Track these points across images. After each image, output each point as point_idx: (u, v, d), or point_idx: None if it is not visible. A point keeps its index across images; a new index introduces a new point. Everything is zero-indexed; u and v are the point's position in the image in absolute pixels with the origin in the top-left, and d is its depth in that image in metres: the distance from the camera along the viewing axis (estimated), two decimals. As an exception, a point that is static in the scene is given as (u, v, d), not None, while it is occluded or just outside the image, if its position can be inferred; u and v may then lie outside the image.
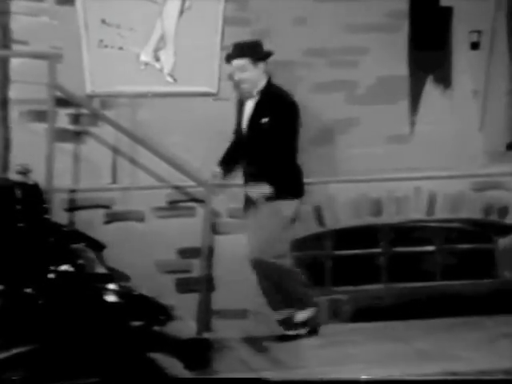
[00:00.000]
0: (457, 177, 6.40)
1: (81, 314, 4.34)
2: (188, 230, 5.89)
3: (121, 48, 5.93)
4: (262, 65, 5.61)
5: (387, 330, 5.89)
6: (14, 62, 5.78)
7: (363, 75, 6.27)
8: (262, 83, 5.61)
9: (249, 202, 5.68)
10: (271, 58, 5.91)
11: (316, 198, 6.17)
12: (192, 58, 6.01)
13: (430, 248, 6.49)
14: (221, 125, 5.86)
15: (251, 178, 5.65)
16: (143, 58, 5.98)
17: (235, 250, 5.78)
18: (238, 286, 5.83)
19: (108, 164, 5.93)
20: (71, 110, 5.82)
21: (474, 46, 6.47)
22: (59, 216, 5.53)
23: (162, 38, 6.01)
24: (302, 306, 5.68)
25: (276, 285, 5.61)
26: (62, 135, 5.75)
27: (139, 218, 5.93)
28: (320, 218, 6.24)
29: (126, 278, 5.58)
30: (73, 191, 5.82)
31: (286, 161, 5.58)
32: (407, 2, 6.31)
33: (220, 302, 5.96)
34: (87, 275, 4.69)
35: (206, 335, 5.62)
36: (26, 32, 5.76)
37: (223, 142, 5.85)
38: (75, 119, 5.87)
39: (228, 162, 5.78)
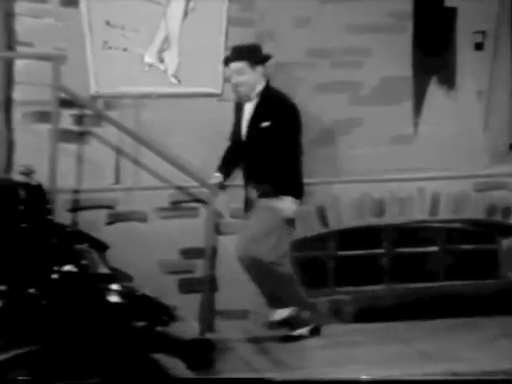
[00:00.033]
0: (460, 177, 6.39)
1: (84, 315, 4.35)
2: (191, 230, 5.91)
3: (125, 49, 5.95)
4: (260, 68, 5.60)
5: (389, 330, 5.88)
6: (19, 64, 5.80)
7: (367, 76, 6.27)
8: (260, 87, 5.60)
9: (249, 203, 5.69)
10: (275, 59, 5.92)
11: (319, 198, 6.18)
12: (196, 59, 6.02)
13: (433, 248, 6.48)
14: (224, 126, 5.85)
15: (251, 180, 5.66)
16: (147, 59, 6.00)
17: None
18: (240, 287, 5.82)
19: (111, 165, 5.94)
20: (75, 111, 5.84)
21: (478, 46, 6.46)
22: (62, 216, 5.56)
23: (166, 39, 6.02)
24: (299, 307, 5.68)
25: (267, 283, 5.60)
26: (65, 136, 5.77)
27: (142, 218, 5.94)
28: (323, 219, 6.25)
29: (129, 278, 5.60)
30: (76, 192, 5.84)
31: (288, 163, 5.58)
32: (411, 3, 6.30)
33: (223, 302, 5.97)
34: (90, 275, 4.70)
35: (208, 336, 5.63)
36: (31, 33, 5.79)
37: (226, 142, 5.87)
38: (79, 120, 5.88)
39: (227, 166, 5.78)
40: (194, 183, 5.92)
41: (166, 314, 4.56)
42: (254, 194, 5.63)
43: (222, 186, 5.79)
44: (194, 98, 6.00)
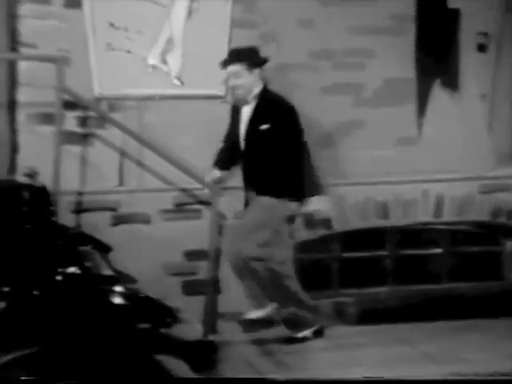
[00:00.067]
0: (464, 179, 6.39)
1: (87, 316, 4.35)
2: (194, 232, 5.91)
3: (128, 51, 5.95)
4: (257, 71, 5.58)
5: (393, 332, 5.87)
6: (22, 65, 5.81)
7: (370, 78, 6.27)
8: (257, 90, 5.58)
9: (248, 204, 5.69)
10: (278, 61, 5.93)
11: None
12: (199, 60, 6.02)
13: (438, 250, 6.48)
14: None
15: (250, 182, 5.64)
16: (151, 60, 6.00)
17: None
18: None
19: (115, 166, 5.95)
20: (79, 113, 5.84)
21: (481, 48, 6.46)
22: (66, 218, 5.55)
23: (170, 41, 6.02)
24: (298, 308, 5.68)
25: (251, 280, 5.57)
26: (69, 138, 5.78)
27: (146, 220, 5.94)
28: (327, 221, 6.24)
29: (133, 280, 5.60)
30: (80, 194, 5.84)
31: (287, 165, 5.57)
32: (414, 5, 6.30)
33: (226, 304, 5.97)
34: (94, 277, 4.70)
35: (212, 337, 5.62)
36: (34, 35, 5.79)
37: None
38: (83, 122, 5.89)
39: (224, 161, 5.76)
40: (198, 185, 5.91)
41: (169, 315, 4.56)
42: (252, 194, 5.62)
43: (220, 181, 5.77)
44: (197, 99, 6.00)
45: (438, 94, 6.41)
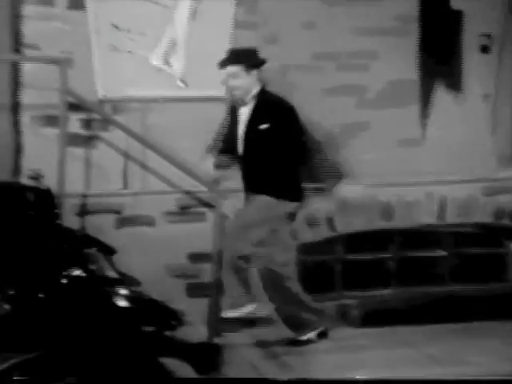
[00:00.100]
0: (468, 181, 6.39)
1: (92, 318, 4.35)
2: (198, 234, 5.90)
3: (131, 52, 5.95)
4: (255, 72, 5.55)
5: (396, 334, 5.87)
6: (26, 67, 5.80)
7: (373, 79, 6.27)
8: (255, 91, 5.56)
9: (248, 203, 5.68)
10: (281, 62, 5.93)
11: (327, 202, 6.18)
12: (203, 62, 6.02)
13: (441, 252, 6.49)
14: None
15: (250, 182, 5.63)
16: (154, 62, 6.00)
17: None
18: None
19: (119, 169, 5.94)
20: (82, 115, 5.84)
21: (485, 49, 6.46)
22: (70, 221, 5.55)
23: (173, 43, 6.02)
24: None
25: (240, 281, 5.55)
26: (73, 140, 5.78)
27: (150, 222, 5.94)
28: (331, 223, 6.24)
29: (137, 282, 5.60)
30: (84, 196, 5.84)
31: (286, 165, 5.55)
32: (417, 6, 6.30)
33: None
34: (98, 280, 4.70)
35: (216, 340, 5.62)
36: (38, 37, 5.79)
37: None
38: (86, 124, 5.89)
39: (220, 147, 5.73)
40: (202, 187, 5.91)
41: (173, 318, 4.57)
42: (252, 194, 5.62)
43: (219, 166, 5.73)
44: (200, 101, 5.99)
45: (442, 96, 6.41)
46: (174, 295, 5.53)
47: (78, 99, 5.67)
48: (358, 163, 6.21)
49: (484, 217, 6.45)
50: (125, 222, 5.91)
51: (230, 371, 5.02)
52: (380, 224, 6.30)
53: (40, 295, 4.38)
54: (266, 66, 5.92)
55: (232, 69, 5.55)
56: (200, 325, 5.62)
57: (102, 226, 5.74)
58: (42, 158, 5.60)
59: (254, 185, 5.60)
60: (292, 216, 5.65)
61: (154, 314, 4.59)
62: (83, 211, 5.83)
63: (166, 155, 5.82)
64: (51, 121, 5.73)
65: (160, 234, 5.92)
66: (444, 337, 5.80)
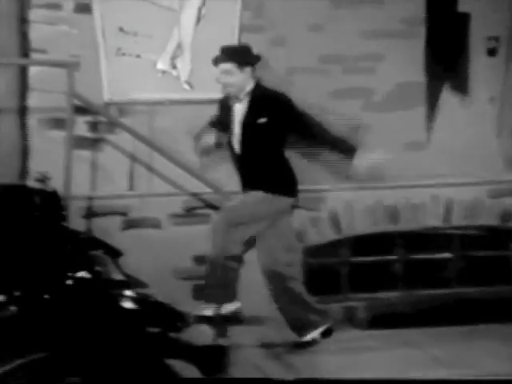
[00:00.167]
0: (474, 184, 6.38)
1: (98, 320, 4.36)
2: (204, 236, 5.90)
3: (138, 56, 5.97)
4: (248, 69, 5.55)
5: (403, 336, 5.87)
6: (33, 71, 5.83)
7: (380, 82, 6.27)
8: (249, 87, 5.56)
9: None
10: (288, 65, 5.94)
11: (332, 204, 6.19)
12: (209, 65, 6.01)
13: (447, 255, 6.48)
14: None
15: (247, 178, 5.63)
16: (160, 65, 6.02)
17: (251, 256, 5.79)
18: (254, 293, 5.83)
19: (125, 171, 5.97)
20: (89, 118, 5.87)
21: (491, 52, 6.45)
22: (77, 223, 5.57)
23: (179, 46, 6.04)
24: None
25: (222, 279, 5.55)
26: (80, 143, 5.80)
27: (155, 224, 5.96)
28: (336, 225, 6.25)
29: (143, 284, 5.61)
30: (90, 198, 5.87)
31: (285, 158, 5.57)
32: (424, 9, 6.30)
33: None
34: (104, 282, 4.71)
35: (222, 342, 5.63)
36: (45, 40, 5.82)
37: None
38: (93, 127, 5.92)
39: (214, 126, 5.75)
40: (208, 189, 5.93)
41: (179, 320, 4.57)
42: (248, 189, 5.62)
43: (218, 145, 5.72)
44: (206, 104, 6.01)
45: (448, 98, 6.41)
46: (179, 297, 5.53)
47: (84, 102, 5.70)
48: (364, 165, 6.21)
49: (490, 219, 6.44)
50: (131, 224, 5.93)
51: (236, 373, 5.03)
52: (386, 226, 6.31)
53: (46, 297, 4.38)
54: (272, 69, 5.97)
55: (225, 66, 5.55)
56: (205, 326, 5.62)
57: (108, 228, 5.76)
58: (49, 160, 5.63)
59: (250, 181, 5.60)
60: (288, 211, 5.65)
61: (160, 315, 4.59)
62: (89, 213, 5.86)
63: (172, 157, 5.84)
64: (58, 123, 5.76)
65: (166, 236, 5.94)
66: (450, 339, 5.79)
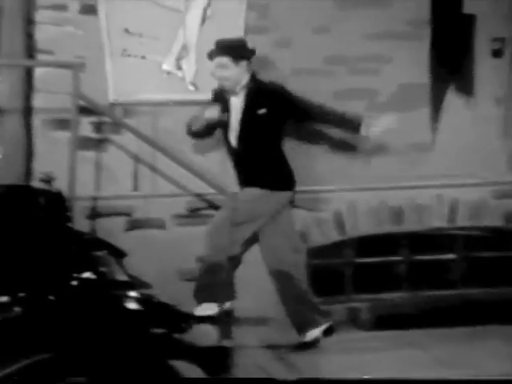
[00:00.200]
0: (478, 184, 6.37)
1: (102, 321, 4.37)
2: (208, 237, 5.93)
3: (143, 57, 5.98)
4: (244, 63, 5.57)
5: (407, 337, 5.87)
6: (38, 71, 5.85)
7: (385, 83, 6.27)
8: (245, 81, 5.58)
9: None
10: (292, 66, 5.94)
11: (336, 205, 6.19)
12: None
13: (452, 256, 6.48)
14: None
15: (244, 172, 5.64)
16: (165, 66, 6.03)
17: (255, 257, 5.80)
18: (258, 294, 5.84)
19: (129, 172, 5.97)
20: (94, 119, 5.88)
21: (497, 53, 6.44)
22: (81, 223, 5.57)
23: (184, 47, 6.05)
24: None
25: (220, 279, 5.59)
26: (84, 143, 5.82)
27: (160, 225, 5.97)
28: (340, 226, 6.25)
29: (147, 285, 5.61)
30: (94, 199, 5.88)
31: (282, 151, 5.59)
32: (429, 10, 6.30)
33: (240, 309, 5.98)
34: (108, 282, 4.72)
35: (226, 343, 5.64)
36: (51, 42, 5.84)
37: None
38: (98, 128, 5.93)
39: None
40: (212, 190, 5.94)
41: (183, 321, 4.57)
42: (245, 186, 5.62)
43: (223, 117, 5.66)
44: (211, 104, 6.01)
45: (453, 99, 6.40)
46: (183, 298, 5.53)
47: (89, 103, 5.71)
48: (368, 166, 6.22)
49: (495, 220, 6.43)
50: (135, 224, 5.94)
51: (240, 373, 5.04)
52: (390, 227, 6.30)
53: (50, 298, 4.39)
54: (277, 70, 5.97)
55: (220, 60, 5.56)
56: (209, 327, 5.63)
57: (112, 229, 5.77)
58: (54, 161, 5.64)
59: (247, 177, 5.60)
60: (287, 205, 5.65)
61: (164, 316, 4.59)
62: (94, 214, 5.87)
63: (177, 158, 5.85)
64: (63, 124, 5.77)
65: (170, 236, 5.94)
66: (454, 340, 5.79)
